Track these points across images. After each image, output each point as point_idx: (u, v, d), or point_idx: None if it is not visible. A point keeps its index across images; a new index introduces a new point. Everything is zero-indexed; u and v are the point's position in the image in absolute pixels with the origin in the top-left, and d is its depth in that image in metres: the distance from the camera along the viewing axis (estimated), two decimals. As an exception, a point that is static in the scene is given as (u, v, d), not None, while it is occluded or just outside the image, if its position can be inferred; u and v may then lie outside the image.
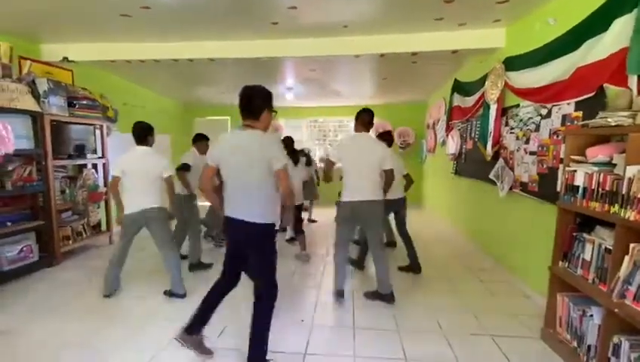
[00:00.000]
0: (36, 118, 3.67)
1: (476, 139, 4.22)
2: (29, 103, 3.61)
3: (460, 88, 4.91)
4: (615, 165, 1.86)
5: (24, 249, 3.60)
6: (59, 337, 2.45)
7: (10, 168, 3.47)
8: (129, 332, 2.51)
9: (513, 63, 3.32)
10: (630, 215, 1.65)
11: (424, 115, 7.90)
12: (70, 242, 4.20)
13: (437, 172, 6.73)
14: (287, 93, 6.49)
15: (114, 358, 2.23)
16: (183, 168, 3.69)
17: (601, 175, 1.88)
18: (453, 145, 5.20)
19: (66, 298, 3.08)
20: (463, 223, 5.09)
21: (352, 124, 8.93)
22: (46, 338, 2.43)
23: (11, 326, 2.60)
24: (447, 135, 5.49)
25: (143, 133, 3.02)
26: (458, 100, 4.95)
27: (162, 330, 2.52)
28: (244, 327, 2.14)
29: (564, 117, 2.61)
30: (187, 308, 2.83)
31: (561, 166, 2.55)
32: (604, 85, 2.13)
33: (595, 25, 2.24)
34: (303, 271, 3.77)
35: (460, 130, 5.01)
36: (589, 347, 1.99)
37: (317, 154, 8.62)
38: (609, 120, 1.86)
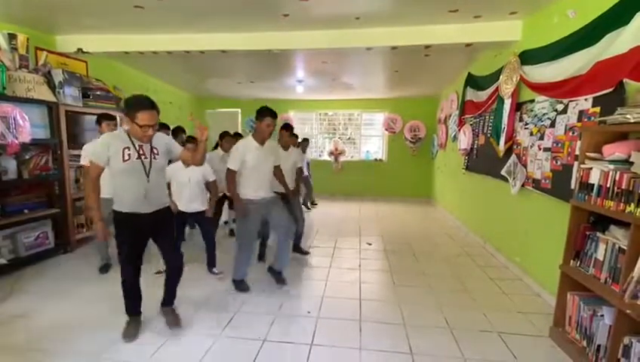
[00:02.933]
0: (52, 108, 3.74)
1: (489, 135, 4.15)
2: (45, 93, 3.69)
3: (473, 82, 4.82)
4: (632, 163, 1.81)
5: (40, 236, 3.71)
6: (75, 319, 2.54)
7: (27, 157, 3.56)
8: (144, 315, 2.54)
9: (529, 57, 3.24)
10: (646, 214, 1.61)
11: (436, 109, 7.79)
12: (84, 230, 4.31)
13: (448, 167, 6.65)
14: (297, 85, 6.48)
15: (128, 340, 2.30)
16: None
17: (618, 173, 1.83)
18: (464, 140, 5.12)
19: (80, 283, 3.17)
20: (474, 220, 5.04)
21: (362, 117, 8.88)
22: (61, 321, 2.51)
23: (28, 309, 2.69)
24: (459, 130, 5.41)
25: None
26: (471, 94, 4.86)
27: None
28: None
29: (580, 113, 2.54)
30: (193, 295, 2.91)
31: (575, 163, 2.49)
32: (623, 80, 2.07)
33: (615, 18, 2.17)
34: (309, 263, 3.80)
35: (472, 125, 4.93)
36: (598, 347, 1.96)
37: (326, 148, 8.62)
38: (628, 116, 1.81)
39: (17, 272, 3.38)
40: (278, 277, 3.20)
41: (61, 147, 3.83)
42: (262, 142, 2.94)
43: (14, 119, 3.17)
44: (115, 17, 3.62)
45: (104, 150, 2.11)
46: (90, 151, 2.20)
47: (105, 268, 3.46)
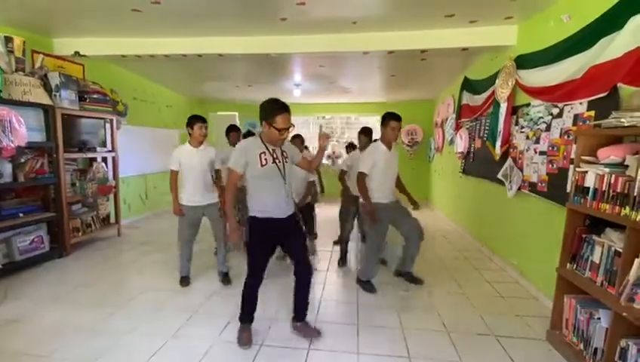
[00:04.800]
0: (48, 111, 3.73)
1: (485, 138, 4.17)
2: (42, 97, 3.68)
3: (469, 86, 4.85)
4: (627, 167, 1.82)
5: (35, 239, 3.68)
6: (70, 324, 2.51)
7: (22, 160, 3.54)
8: (139, 320, 2.57)
9: (525, 61, 3.27)
10: (641, 217, 1.62)
11: (432, 113, 7.83)
12: (80, 234, 4.28)
13: (444, 171, 6.68)
14: (295, 89, 6.49)
15: (126, 343, 2.29)
16: None
17: (613, 176, 1.85)
18: (461, 143, 5.15)
19: (75, 287, 3.15)
20: (470, 223, 5.05)
21: (359, 121, 8.88)
22: (57, 325, 2.49)
23: (23, 314, 2.66)
24: (456, 133, 5.44)
25: None
26: (467, 98, 4.89)
27: (172, 319, 2.59)
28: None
29: (575, 116, 2.57)
30: (194, 299, 2.89)
31: (571, 166, 2.51)
32: (617, 85, 2.09)
33: (609, 23, 2.19)
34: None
35: (468, 128, 4.96)
36: (595, 350, 1.96)
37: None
38: (622, 120, 1.83)
39: (12, 276, 3.34)
40: (412, 277, 3.27)
41: (57, 150, 3.81)
42: (389, 146, 3.08)
43: (10, 122, 3.15)
44: (112, 20, 3.62)
45: (241, 156, 2.12)
46: (230, 159, 2.19)
47: (185, 281, 3.26)
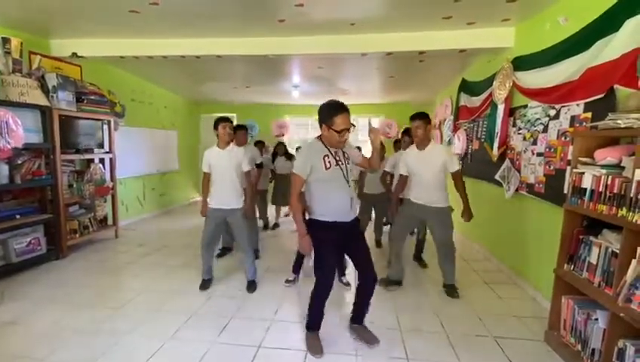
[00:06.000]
0: (45, 112, 3.71)
1: (483, 140, 4.19)
2: (39, 98, 3.66)
3: (467, 88, 4.87)
4: (624, 168, 1.84)
5: (32, 241, 3.66)
6: (68, 326, 2.50)
7: (19, 162, 3.52)
8: (137, 322, 2.56)
9: (522, 63, 3.29)
10: (638, 218, 1.63)
11: (430, 114, 7.84)
12: (77, 236, 4.26)
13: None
14: (293, 90, 6.49)
15: (124, 344, 2.29)
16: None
17: (610, 177, 1.85)
18: (459, 145, 5.16)
19: (73, 289, 3.13)
20: (468, 224, 5.02)
21: (357, 122, 8.90)
22: (55, 327, 2.47)
23: (20, 315, 2.65)
24: (454, 135, 5.45)
25: None
26: (465, 100, 4.90)
27: (170, 321, 2.58)
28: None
29: (572, 118, 2.58)
30: (192, 301, 2.88)
31: (568, 168, 2.52)
32: (614, 86, 2.10)
33: (606, 25, 2.21)
34: (304, 271, 3.78)
35: (466, 130, 4.97)
36: (593, 351, 1.97)
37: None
38: (619, 122, 1.84)
39: (8, 278, 3.32)
40: (449, 289, 3.12)
41: (54, 152, 3.80)
42: (419, 147, 3.06)
43: (7, 123, 3.13)
44: (110, 22, 3.61)
45: (307, 162, 2.09)
46: (295, 165, 2.17)
47: (206, 284, 3.19)
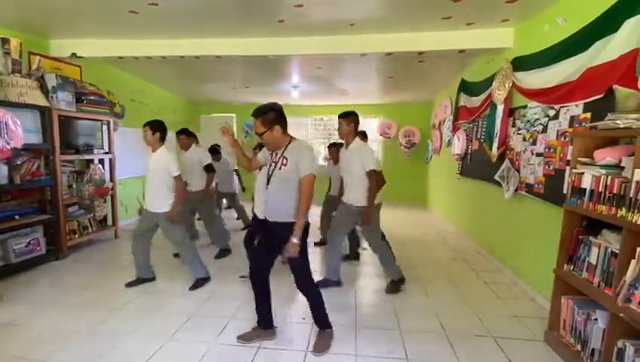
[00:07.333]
0: (45, 112, 3.71)
1: (482, 140, 4.19)
2: (38, 98, 3.66)
3: (466, 88, 4.87)
4: (623, 168, 1.84)
5: (32, 242, 3.65)
6: (67, 327, 2.49)
7: (18, 162, 3.52)
8: (136, 323, 2.55)
9: (521, 64, 3.29)
10: (638, 218, 1.63)
11: (430, 114, 7.85)
12: (76, 236, 4.26)
13: (442, 172, 6.69)
14: (292, 90, 6.49)
15: (123, 346, 2.28)
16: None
17: (609, 178, 1.86)
18: (458, 145, 5.17)
19: (72, 290, 3.12)
20: (468, 224, 5.06)
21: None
22: (54, 328, 2.47)
23: (20, 317, 2.64)
24: (453, 135, 5.46)
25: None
26: (465, 100, 4.91)
27: (169, 322, 2.58)
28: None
29: (572, 118, 2.58)
30: (191, 302, 2.88)
31: (567, 168, 2.52)
32: (613, 87, 2.11)
33: (605, 25, 2.21)
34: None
35: (466, 130, 4.98)
36: (592, 351, 1.97)
37: (322, 153, 8.62)
38: (618, 122, 1.84)
39: (8, 279, 3.32)
40: (390, 285, 3.22)
41: (54, 152, 3.79)
42: (346, 146, 3.07)
43: (6, 124, 3.12)
44: (109, 22, 3.61)
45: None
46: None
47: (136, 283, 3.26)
